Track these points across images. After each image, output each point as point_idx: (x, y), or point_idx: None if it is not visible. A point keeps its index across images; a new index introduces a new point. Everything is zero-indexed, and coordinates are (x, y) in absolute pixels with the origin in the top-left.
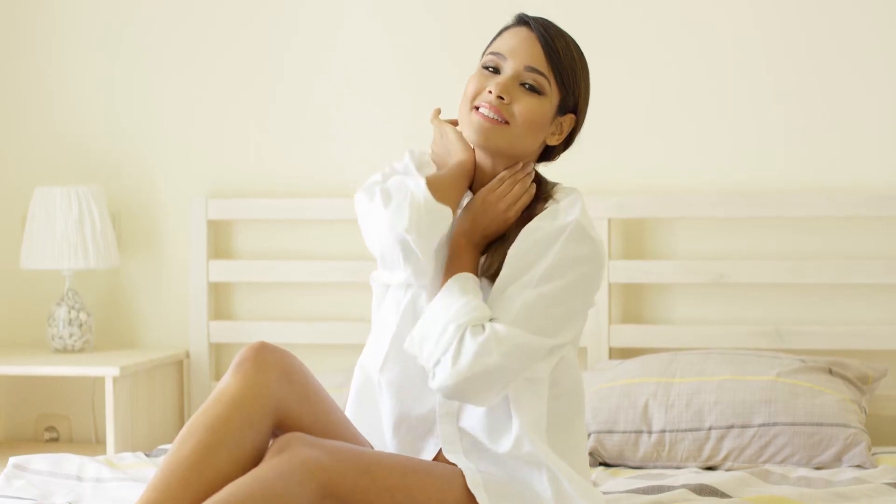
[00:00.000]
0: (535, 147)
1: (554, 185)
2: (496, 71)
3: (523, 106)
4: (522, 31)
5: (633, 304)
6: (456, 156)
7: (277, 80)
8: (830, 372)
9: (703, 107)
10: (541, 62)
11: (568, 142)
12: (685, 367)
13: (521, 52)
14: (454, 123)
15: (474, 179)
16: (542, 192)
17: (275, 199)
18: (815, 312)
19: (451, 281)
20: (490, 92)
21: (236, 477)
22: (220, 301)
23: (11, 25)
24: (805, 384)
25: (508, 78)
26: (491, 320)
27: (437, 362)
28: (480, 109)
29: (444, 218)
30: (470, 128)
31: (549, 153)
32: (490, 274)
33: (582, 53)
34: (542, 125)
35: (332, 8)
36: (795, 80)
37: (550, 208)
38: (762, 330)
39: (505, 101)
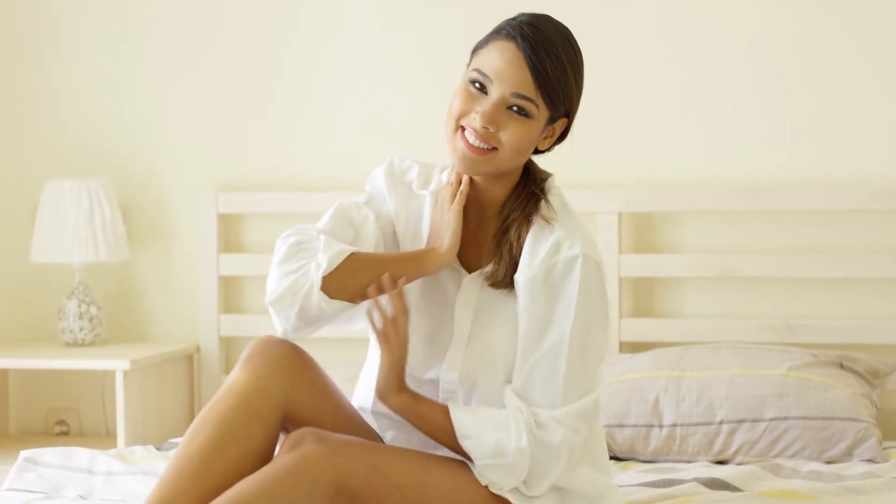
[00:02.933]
0: (523, 162)
1: (543, 177)
2: (482, 88)
3: (510, 133)
4: (510, 50)
5: (643, 298)
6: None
7: (285, 72)
8: (841, 366)
9: (711, 101)
10: (528, 88)
11: (561, 138)
12: (696, 361)
13: (507, 77)
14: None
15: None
16: (534, 181)
17: (285, 192)
18: (825, 306)
19: (458, 430)
20: (475, 118)
21: (246, 471)
22: (231, 295)
23: (19, 21)
24: (816, 378)
25: (494, 105)
26: (532, 404)
27: (538, 477)
28: (466, 133)
29: (321, 316)
30: (454, 154)
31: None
32: (496, 282)
33: (575, 54)
34: (530, 145)
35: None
36: (803, 74)
37: (545, 234)
38: (772, 324)
39: (490, 131)
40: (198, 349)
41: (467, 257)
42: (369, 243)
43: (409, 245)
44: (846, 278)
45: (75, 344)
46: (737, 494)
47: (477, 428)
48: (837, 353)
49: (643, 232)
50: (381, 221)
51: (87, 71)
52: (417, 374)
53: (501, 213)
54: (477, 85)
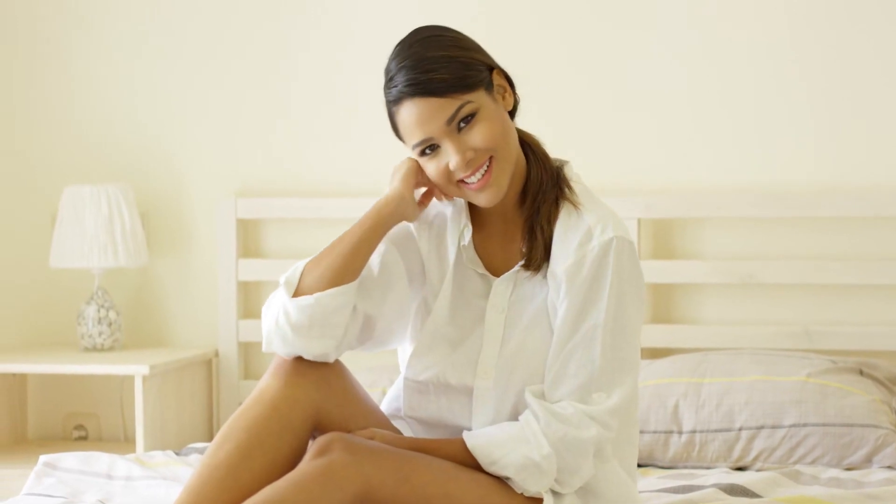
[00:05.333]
0: (515, 140)
1: (559, 164)
2: (432, 148)
3: (481, 136)
4: (410, 106)
5: (663, 304)
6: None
7: (304, 77)
8: (861, 373)
9: (732, 108)
10: (449, 105)
11: (511, 85)
12: (715, 368)
13: (430, 122)
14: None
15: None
16: (547, 165)
17: (303, 198)
18: (845, 313)
19: (481, 459)
20: (456, 171)
21: (274, 481)
22: (249, 300)
23: (37, 26)
24: (835, 385)
25: (452, 147)
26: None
27: (568, 474)
28: (466, 181)
29: (318, 322)
30: (475, 199)
31: (513, 111)
32: (530, 263)
33: (444, 37)
34: (503, 122)
35: (353, 2)
36: (824, 81)
37: (573, 221)
38: (791, 330)
39: (470, 157)
40: (216, 354)
41: (496, 263)
42: (382, 263)
43: (434, 256)
44: (866, 285)
45: (94, 349)
46: (756, 501)
47: (499, 450)
48: (857, 359)
49: (663, 238)
50: (398, 238)
51: (106, 77)
52: (450, 381)
53: (524, 205)
54: (427, 151)
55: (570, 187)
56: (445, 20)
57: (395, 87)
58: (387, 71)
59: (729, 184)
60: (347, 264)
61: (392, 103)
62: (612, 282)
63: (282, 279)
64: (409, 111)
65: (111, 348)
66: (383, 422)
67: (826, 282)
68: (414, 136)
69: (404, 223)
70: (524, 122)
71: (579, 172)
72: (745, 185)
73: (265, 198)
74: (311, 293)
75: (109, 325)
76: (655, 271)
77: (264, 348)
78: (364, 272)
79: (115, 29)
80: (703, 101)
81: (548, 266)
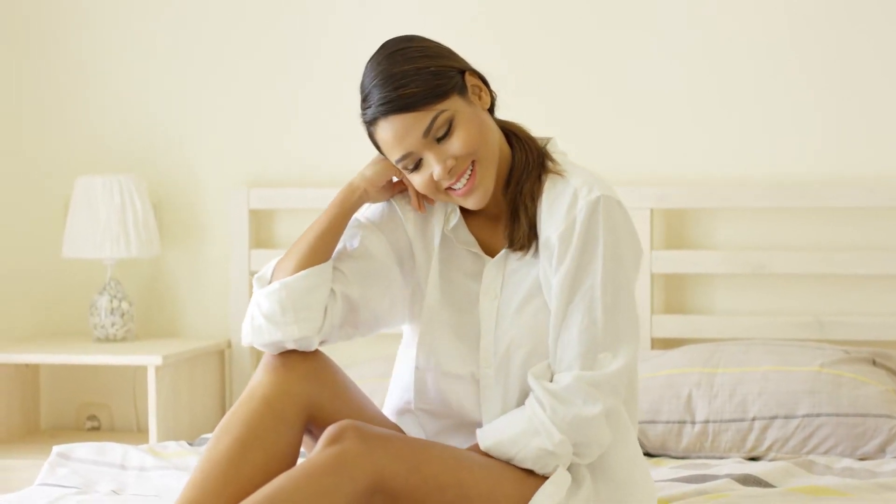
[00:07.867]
0: (496, 137)
1: (543, 142)
2: (416, 163)
3: (460, 142)
4: (386, 125)
5: (675, 294)
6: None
7: (316, 67)
8: (874, 363)
9: (743, 99)
10: (424, 117)
11: (486, 83)
12: (728, 358)
13: (409, 136)
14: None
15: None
16: (530, 145)
17: (316, 188)
18: (857, 303)
19: (498, 458)
20: (441, 181)
21: (273, 473)
22: None
23: (49, 18)
24: (848, 375)
25: (434, 157)
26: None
27: (585, 446)
28: (453, 187)
29: (290, 306)
30: (465, 203)
31: (491, 107)
32: (514, 241)
33: (411, 48)
34: (481, 124)
35: None
36: (833, 72)
37: (559, 188)
38: (803, 321)
39: (451, 164)
40: (229, 345)
41: (488, 245)
42: (362, 242)
43: (420, 239)
44: (878, 275)
45: (107, 339)
46: (770, 491)
47: (513, 447)
48: (870, 349)
49: (675, 228)
50: (383, 221)
51: (119, 67)
52: (453, 370)
53: (509, 186)
54: (412, 166)
55: (552, 159)
56: (446, 20)
57: (370, 107)
58: (361, 90)
59: (740, 175)
60: (314, 250)
61: (369, 124)
62: (605, 241)
63: (255, 277)
64: (386, 129)
65: (124, 339)
66: (376, 415)
67: (838, 272)
68: (395, 152)
69: (390, 205)
70: (528, 122)
71: (565, 150)
72: (757, 176)
73: (278, 188)
74: (285, 276)
75: (122, 315)
76: (667, 261)
77: (243, 342)
78: (339, 254)
79: (128, 20)
80: (714, 93)
81: (538, 241)
